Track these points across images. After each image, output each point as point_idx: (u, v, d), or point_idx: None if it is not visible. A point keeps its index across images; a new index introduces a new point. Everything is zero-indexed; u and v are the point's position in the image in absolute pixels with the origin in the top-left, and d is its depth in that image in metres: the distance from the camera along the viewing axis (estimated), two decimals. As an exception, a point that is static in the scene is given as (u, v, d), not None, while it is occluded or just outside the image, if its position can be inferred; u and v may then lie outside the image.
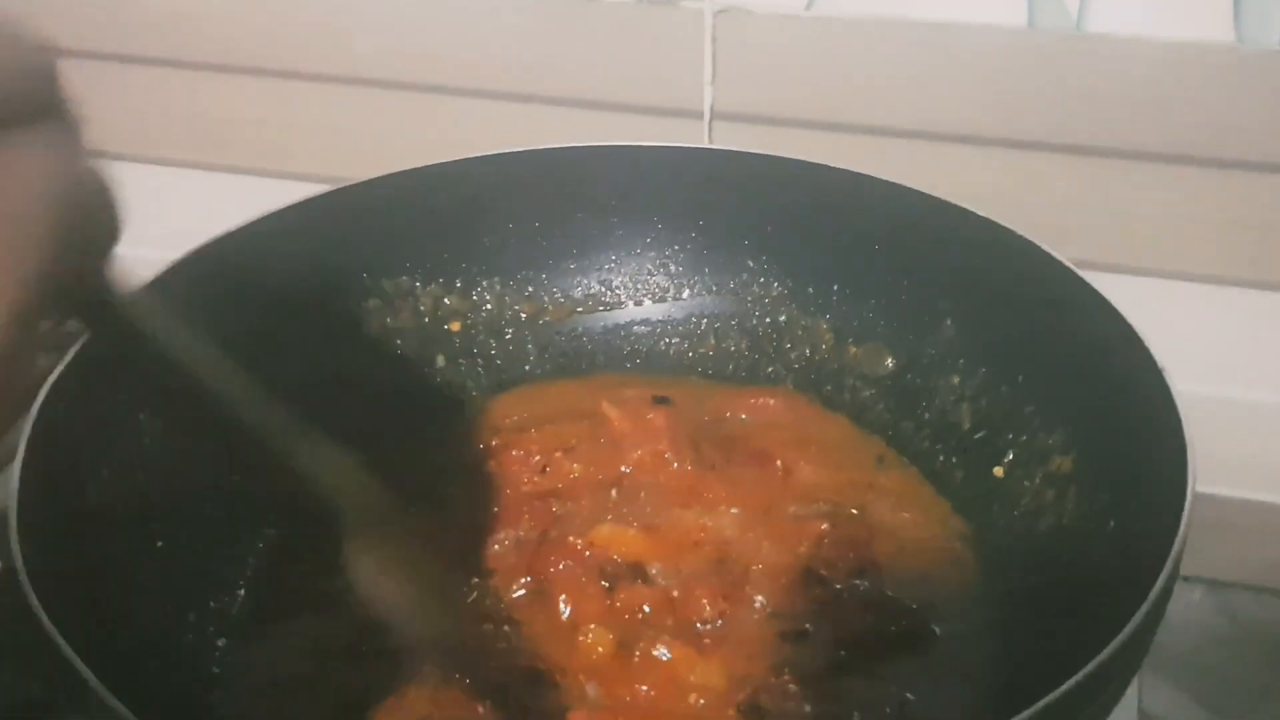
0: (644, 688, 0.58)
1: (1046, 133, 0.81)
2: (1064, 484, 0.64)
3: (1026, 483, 0.67)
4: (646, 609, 0.62)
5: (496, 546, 0.66)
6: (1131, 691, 0.82)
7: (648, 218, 0.81)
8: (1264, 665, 0.83)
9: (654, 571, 0.64)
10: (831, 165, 0.74)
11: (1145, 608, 0.47)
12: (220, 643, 0.62)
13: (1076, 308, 0.64)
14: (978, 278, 0.71)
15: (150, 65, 0.95)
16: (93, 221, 0.31)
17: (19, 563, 0.50)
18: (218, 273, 0.69)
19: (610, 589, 0.63)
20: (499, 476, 0.70)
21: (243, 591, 0.66)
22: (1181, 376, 0.58)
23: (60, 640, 0.46)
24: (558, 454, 0.71)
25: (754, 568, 0.64)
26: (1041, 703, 0.44)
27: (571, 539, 0.65)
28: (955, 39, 0.80)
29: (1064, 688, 0.44)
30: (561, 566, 0.63)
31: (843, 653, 0.59)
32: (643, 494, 0.68)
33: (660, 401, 0.74)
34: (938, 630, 0.61)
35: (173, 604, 0.62)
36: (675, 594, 0.62)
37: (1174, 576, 0.50)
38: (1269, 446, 0.88)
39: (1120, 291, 0.63)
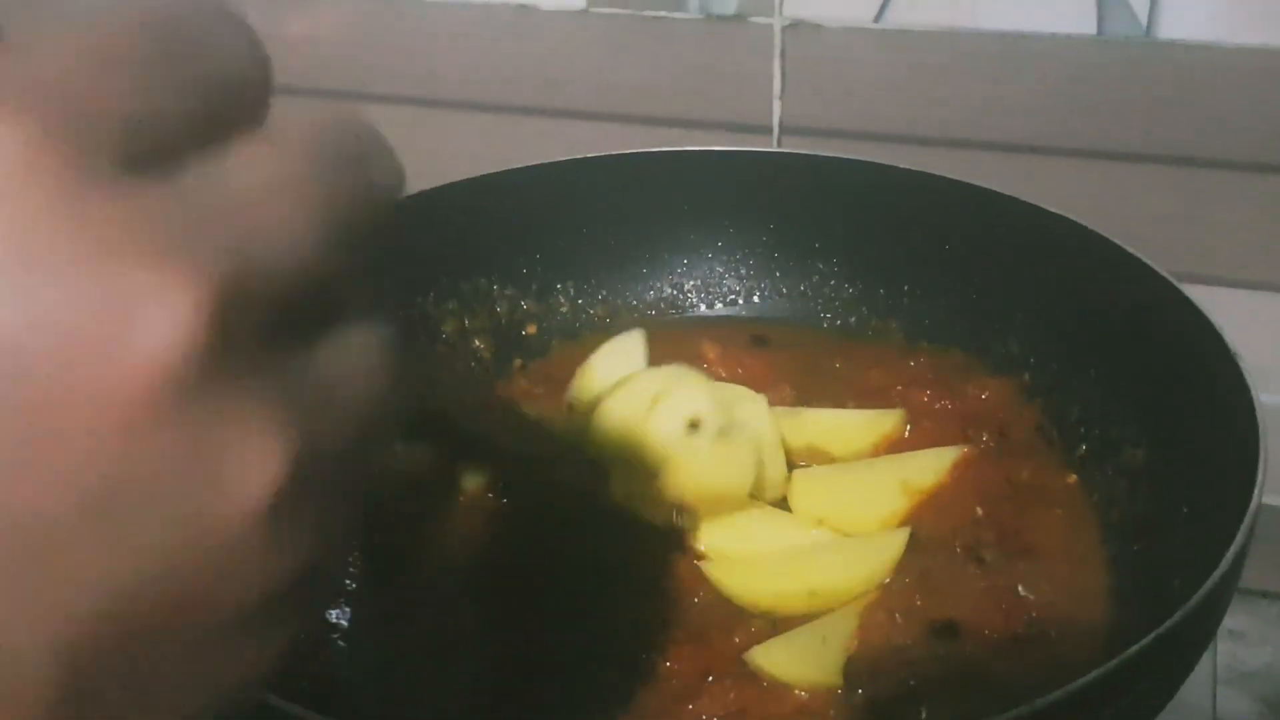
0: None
1: (1117, 141, 0.81)
2: (1136, 475, 0.64)
3: (1098, 475, 0.67)
4: None
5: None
6: (1207, 702, 0.82)
7: (719, 222, 0.82)
8: (1342, 678, 0.82)
9: None
10: (900, 166, 0.75)
11: (1221, 570, 0.47)
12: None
13: (1148, 300, 0.65)
14: (1048, 274, 0.71)
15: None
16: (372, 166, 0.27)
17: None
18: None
19: None
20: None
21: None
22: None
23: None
24: None
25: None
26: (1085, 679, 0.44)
27: None
28: (1024, 49, 0.80)
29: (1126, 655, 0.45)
30: None
31: None
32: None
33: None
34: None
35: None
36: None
37: (1244, 552, 0.50)
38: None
39: (1191, 297, 0.64)
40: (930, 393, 0.72)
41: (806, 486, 0.66)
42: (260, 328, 0.22)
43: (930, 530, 0.64)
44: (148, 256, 0.21)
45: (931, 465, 0.67)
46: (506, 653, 0.59)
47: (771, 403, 0.68)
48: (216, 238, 0.22)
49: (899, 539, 0.62)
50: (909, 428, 0.70)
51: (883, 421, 0.70)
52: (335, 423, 0.24)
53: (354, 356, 0.25)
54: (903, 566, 0.62)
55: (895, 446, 0.69)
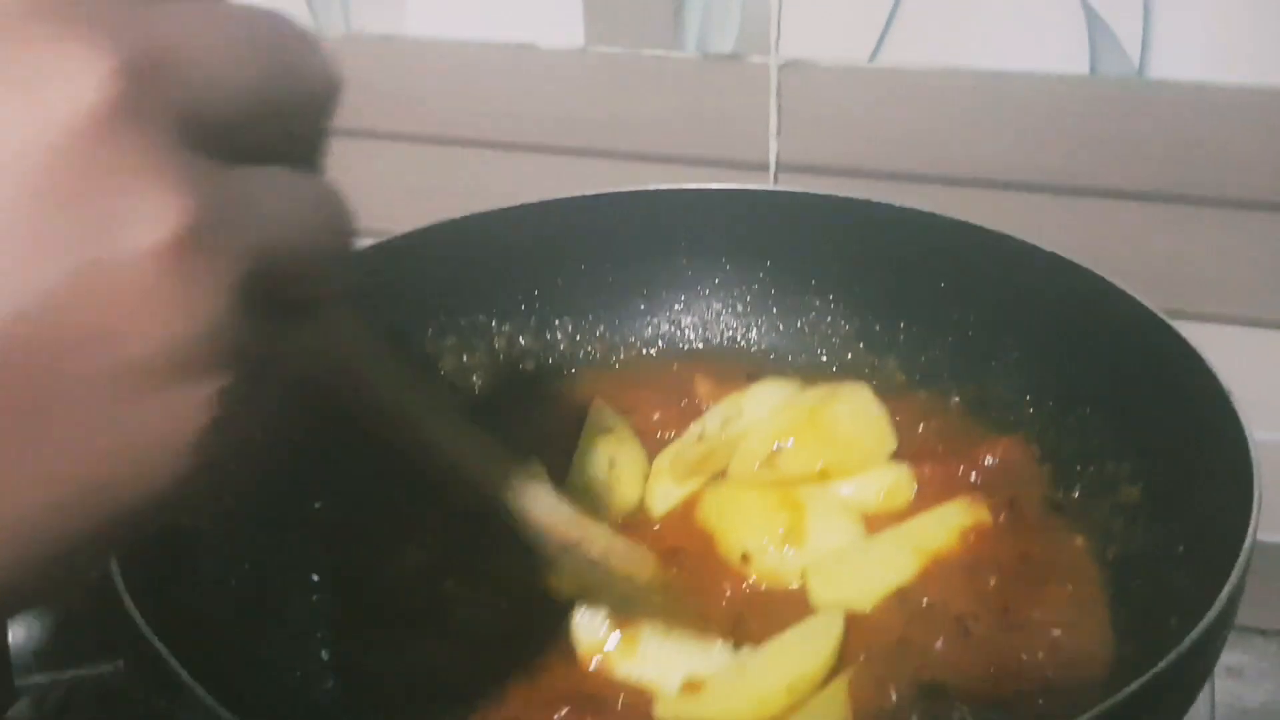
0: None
1: (1110, 179, 0.82)
2: (1133, 513, 0.65)
3: (1095, 513, 0.67)
4: None
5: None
6: (1207, 739, 0.82)
7: (716, 259, 0.83)
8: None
9: None
10: (896, 204, 0.76)
11: (1216, 609, 0.47)
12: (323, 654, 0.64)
13: (1141, 337, 0.65)
14: (1043, 311, 0.71)
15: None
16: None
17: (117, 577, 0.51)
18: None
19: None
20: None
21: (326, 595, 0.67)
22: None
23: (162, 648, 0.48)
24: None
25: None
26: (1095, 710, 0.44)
27: None
28: (1018, 87, 0.81)
29: (1122, 694, 0.45)
30: None
31: None
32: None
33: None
34: None
35: (258, 620, 0.63)
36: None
37: (1240, 589, 0.50)
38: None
39: (1184, 334, 0.64)
40: (932, 465, 0.71)
41: (823, 576, 0.65)
42: (172, 124, 0.27)
43: (928, 596, 0.63)
44: (64, 35, 0.26)
45: (941, 524, 0.66)
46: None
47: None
48: (131, 35, 0.27)
49: (834, 623, 0.61)
50: (914, 485, 0.70)
51: (884, 475, 0.70)
52: (247, 229, 0.28)
53: (276, 189, 0.30)
54: (893, 632, 0.61)
55: (902, 514, 0.69)
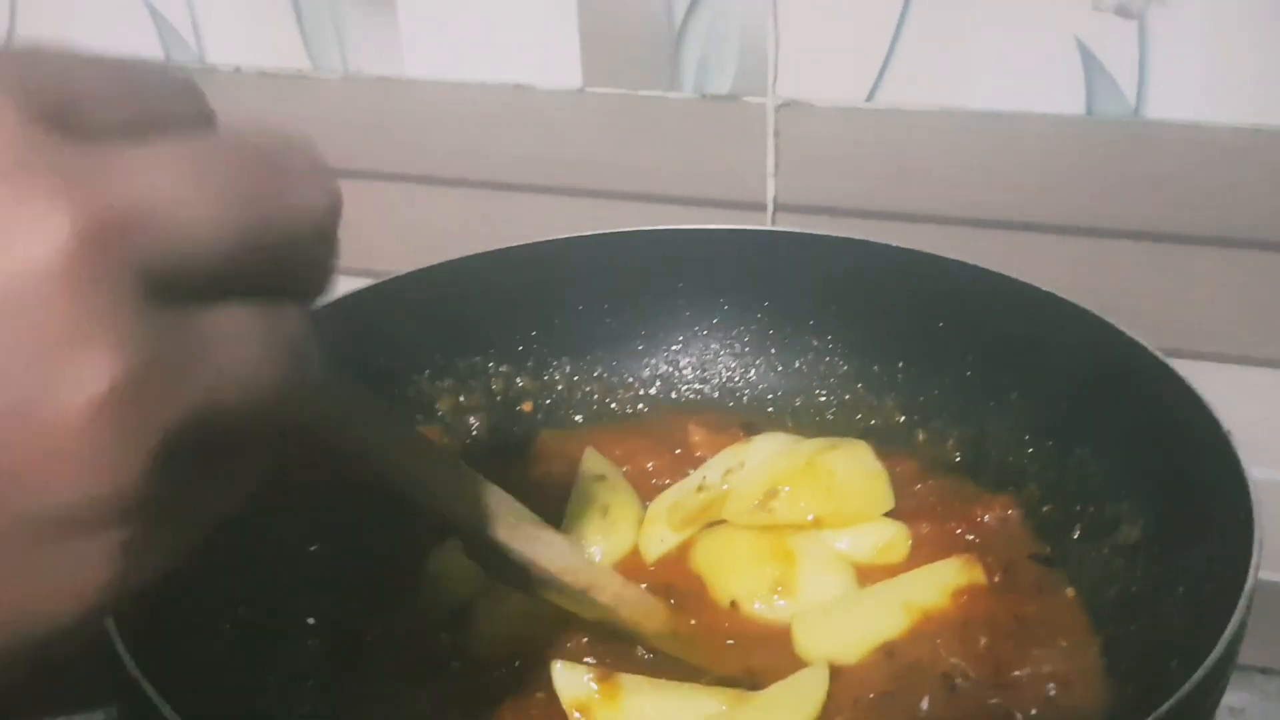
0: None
1: (1107, 218, 0.82)
2: (1132, 554, 0.64)
3: (1094, 553, 0.66)
4: None
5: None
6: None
7: (714, 299, 0.83)
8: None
9: None
10: (893, 244, 0.76)
11: (1218, 651, 0.47)
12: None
13: (1138, 376, 0.65)
14: (1041, 352, 0.71)
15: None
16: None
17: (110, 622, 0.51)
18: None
19: None
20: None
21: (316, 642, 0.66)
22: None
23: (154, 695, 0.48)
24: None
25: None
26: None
27: None
28: (1015, 128, 0.81)
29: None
30: None
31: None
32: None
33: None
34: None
35: (253, 666, 0.63)
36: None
37: (1241, 632, 0.50)
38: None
39: (1182, 374, 0.64)
40: (930, 524, 0.70)
41: (808, 626, 0.64)
42: (132, 282, 0.26)
43: (916, 653, 0.63)
44: (22, 194, 0.25)
45: (933, 582, 0.66)
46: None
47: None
48: (95, 192, 0.25)
49: (820, 677, 0.60)
50: (909, 542, 0.70)
51: (879, 531, 0.70)
52: (193, 380, 0.27)
53: (240, 332, 0.28)
54: (878, 687, 0.60)
55: (897, 570, 0.68)
